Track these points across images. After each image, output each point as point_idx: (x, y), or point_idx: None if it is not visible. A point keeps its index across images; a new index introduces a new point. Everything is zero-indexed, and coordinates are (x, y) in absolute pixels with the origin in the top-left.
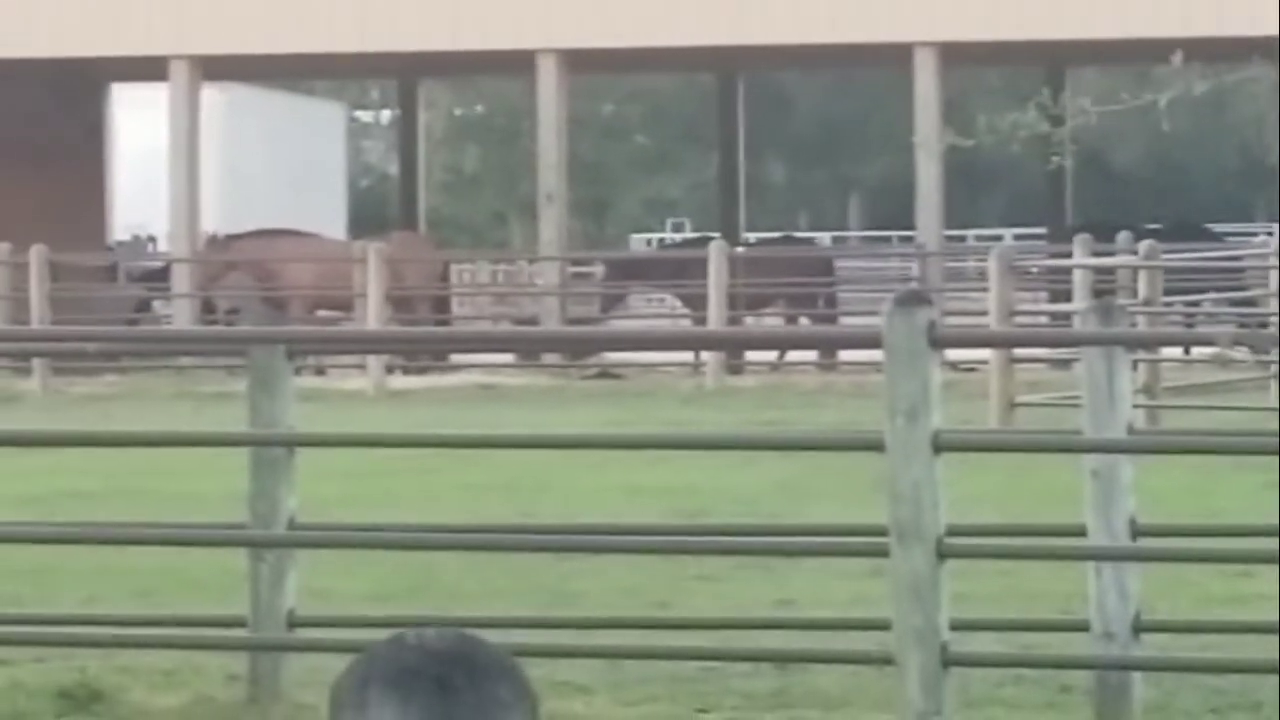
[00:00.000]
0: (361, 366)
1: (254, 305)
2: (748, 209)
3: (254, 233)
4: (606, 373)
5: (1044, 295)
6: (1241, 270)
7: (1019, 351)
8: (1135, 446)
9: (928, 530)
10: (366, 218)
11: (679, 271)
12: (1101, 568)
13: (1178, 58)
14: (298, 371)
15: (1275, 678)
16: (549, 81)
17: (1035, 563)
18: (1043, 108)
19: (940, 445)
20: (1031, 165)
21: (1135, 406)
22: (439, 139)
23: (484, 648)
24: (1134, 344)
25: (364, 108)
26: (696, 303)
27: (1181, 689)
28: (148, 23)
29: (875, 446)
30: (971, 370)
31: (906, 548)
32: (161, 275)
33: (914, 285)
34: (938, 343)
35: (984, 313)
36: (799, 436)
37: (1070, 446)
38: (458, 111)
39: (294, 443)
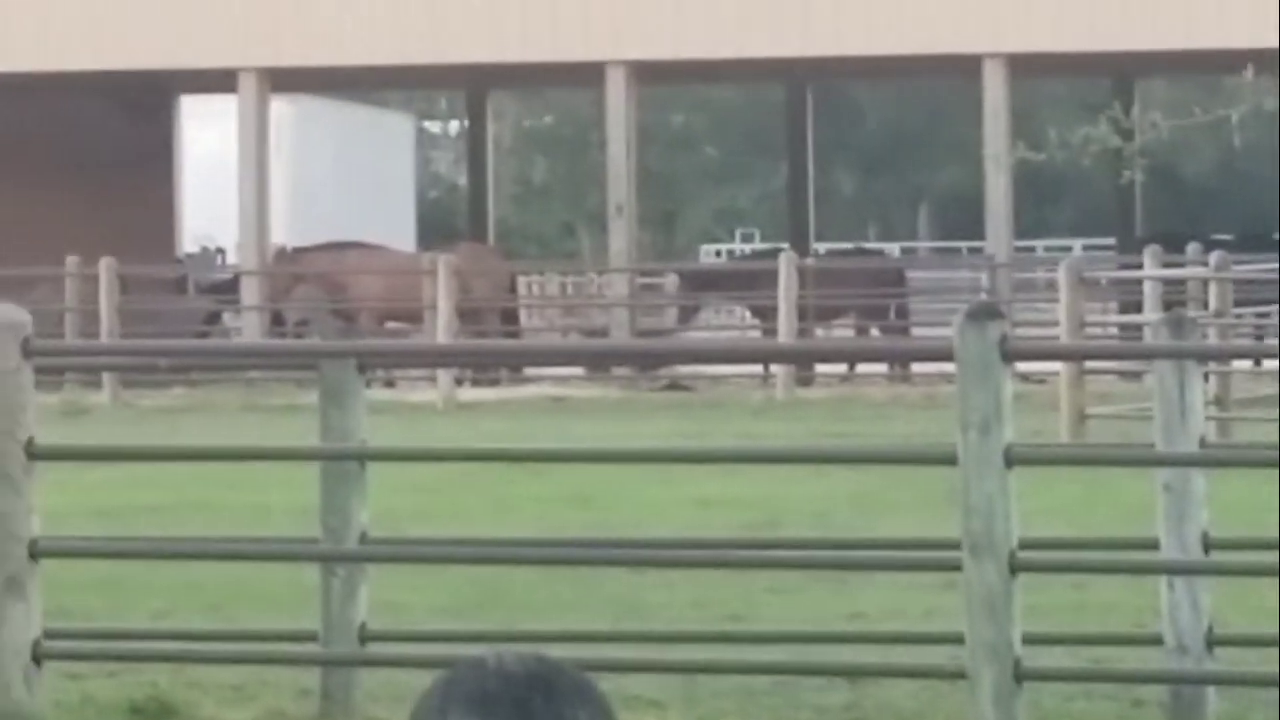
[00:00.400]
0: (431, 379)
1: (323, 318)
2: (817, 220)
3: (323, 246)
4: (676, 384)
5: (1114, 306)
6: None
7: (1089, 363)
8: (1207, 460)
9: (1000, 544)
10: (435, 229)
11: (752, 283)
12: (1174, 581)
13: (1249, 71)
14: (367, 384)
15: None
16: (618, 92)
17: (1107, 576)
18: (1114, 121)
19: (1012, 459)
20: (1100, 176)
21: (1206, 419)
22: (508, 150)
23: (563, 671)
24: (1205, 357)
25: (433, 119)
26: (767, 314)
27: (1254, 703)
28: (217, 35)
29: (948, 460)
30: (1042, 382)
31: (979, 561)
32: (230, 287)
33: (984, 297)
34: (1009, 356)
35: (1054, 324)
36: (870, 449)
37: (1143, 460)
38: (526, 123)
39: (366, 457)
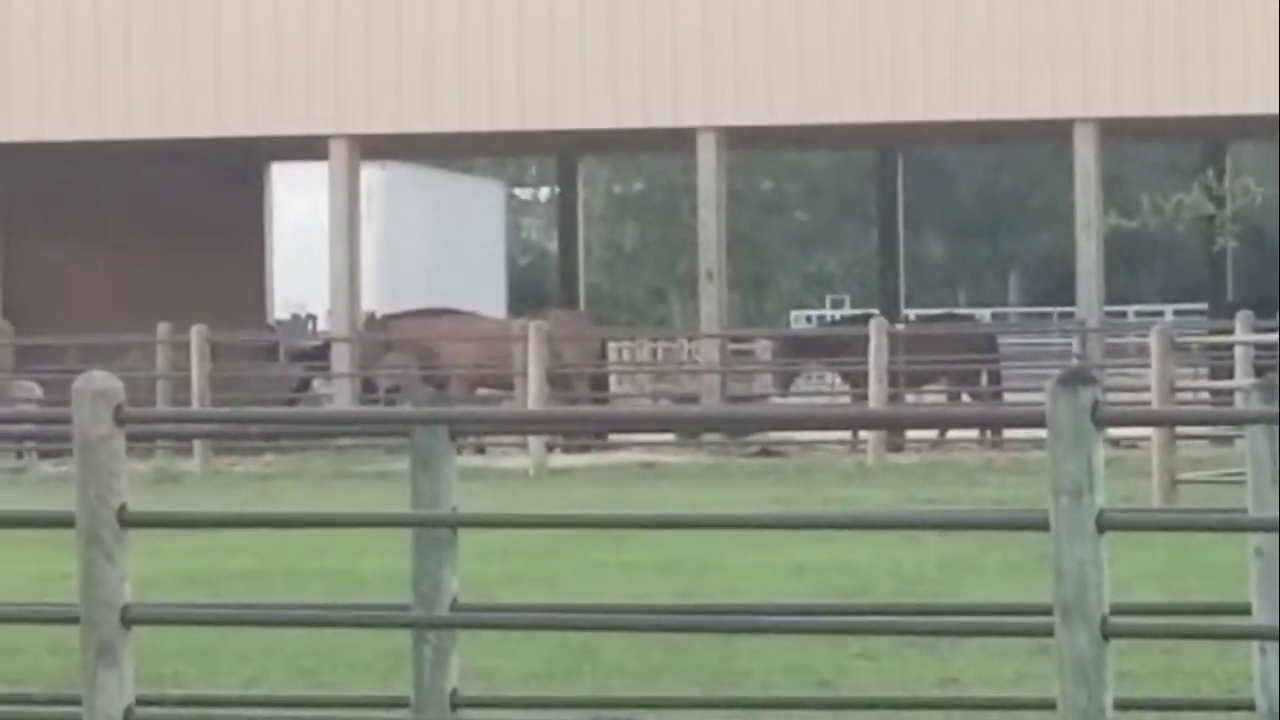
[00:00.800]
0: (522, 445)
1: (414, 384)
2: (907, 285)
3: (413, 312)
4: (767, 450)
5: (1205, 372)
6: None
7: (1181, 428)
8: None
9: (1092, 609)
10: (526, 295)
11: (845, 349)
12: (1266, 647)
13: None
14: (458, 450)
15: None
16: (708, 158)
17: (1200, 642)
18: (1207, 188)
19: (1104, 524)
20: (1191, 240)
21: None
22: (598, 216)
23: None
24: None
25: (523, 185)
26: (858, 380)
27: None
28: (307, 102)
29: (1039, 526)
30: (1133, 447)
31: (1071, 627)
32: (321, 354)
33: (1076, 362)
34: (1101, 422)
35: (1145, 389)
36: (962, 515)
37: (1234, 525)
38: (617, 188)
39: (458, 523)
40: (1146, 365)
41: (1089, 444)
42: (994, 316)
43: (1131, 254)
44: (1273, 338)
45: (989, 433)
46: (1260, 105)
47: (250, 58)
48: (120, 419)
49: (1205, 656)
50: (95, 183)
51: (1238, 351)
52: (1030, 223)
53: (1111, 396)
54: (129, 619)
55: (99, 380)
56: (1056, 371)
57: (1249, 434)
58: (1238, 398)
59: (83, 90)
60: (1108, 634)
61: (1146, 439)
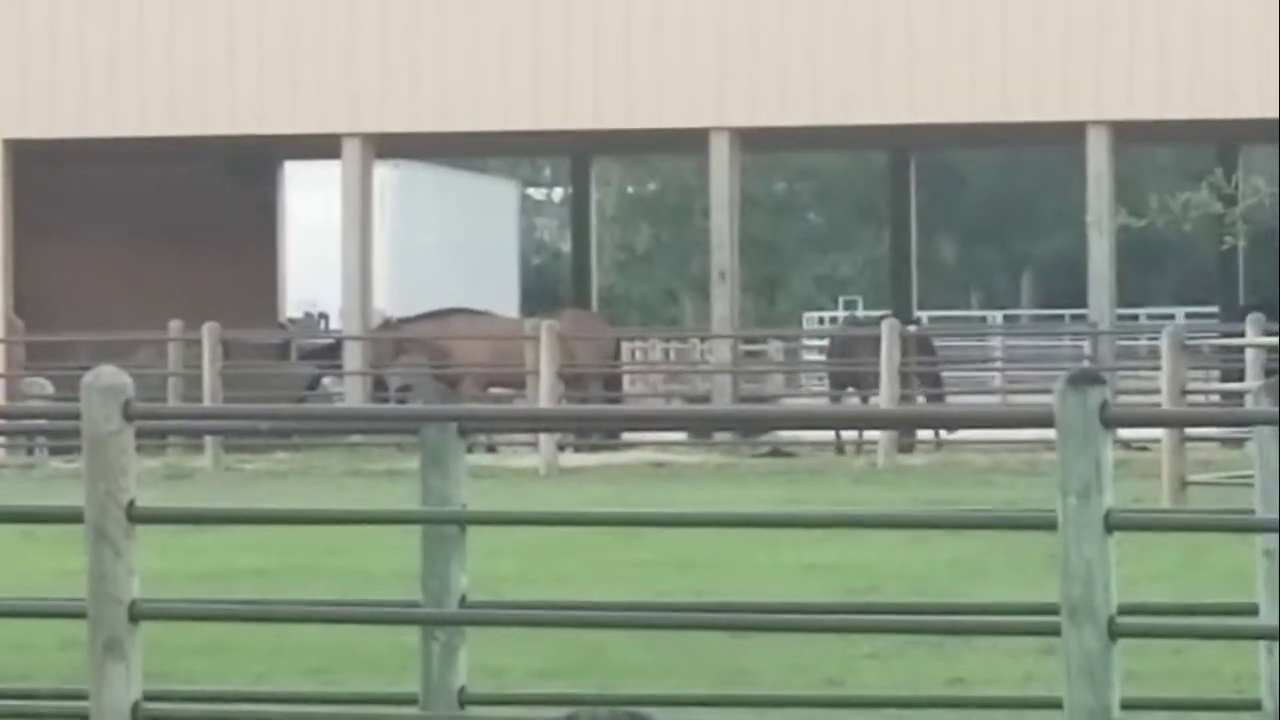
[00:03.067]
0: (533, 444)
1: (426, 383)
2: (920, 287)
3: (426, 314)
4: (778, 450)
5: (1216, 374)
6: None
7: (1191, 430)
8: None
9: (1099, 609)
10: (539, 295)
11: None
12: (1273, 647)
13: None
14: (470, 449)
15: None
16: (721, 159)
17: (1207, 642)
18: (1215, 187)
19: (1112, 525)
20: (1204, 243)
21: None
22: (611, 216)
23: None
24: None
25: (536, 185)
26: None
27: None
28: (321, 101)
29: (1047, 526)
30: (1144, 449)
31: (1078, 627)
32: (331, 352)
33: (1086, 364)
34: (1110, 422)
35: (1156, 391)
36: (970, 515)
37: (1242, 526)
38: (630, 189)
39: (466, 521)
40: (1158, 367)
41: (1097, 444)
42: (1006, 318)
43: (1145, 257)
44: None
45: (938, 434)
46: (1273, 108)
47: (264, 56)
48: (129, 415)
49: (1213, 657)
50: (108, 180)
51: (1248, 354)
52: (1043, 225)
53: (1122, 398)
54: (136, 614)
55: (108, 376)
56: (1067, 373)
57: (1257, 435)
58: (1247, 399)
59: (96, 87)
60: (1115, 634)
61: (1157, 441)
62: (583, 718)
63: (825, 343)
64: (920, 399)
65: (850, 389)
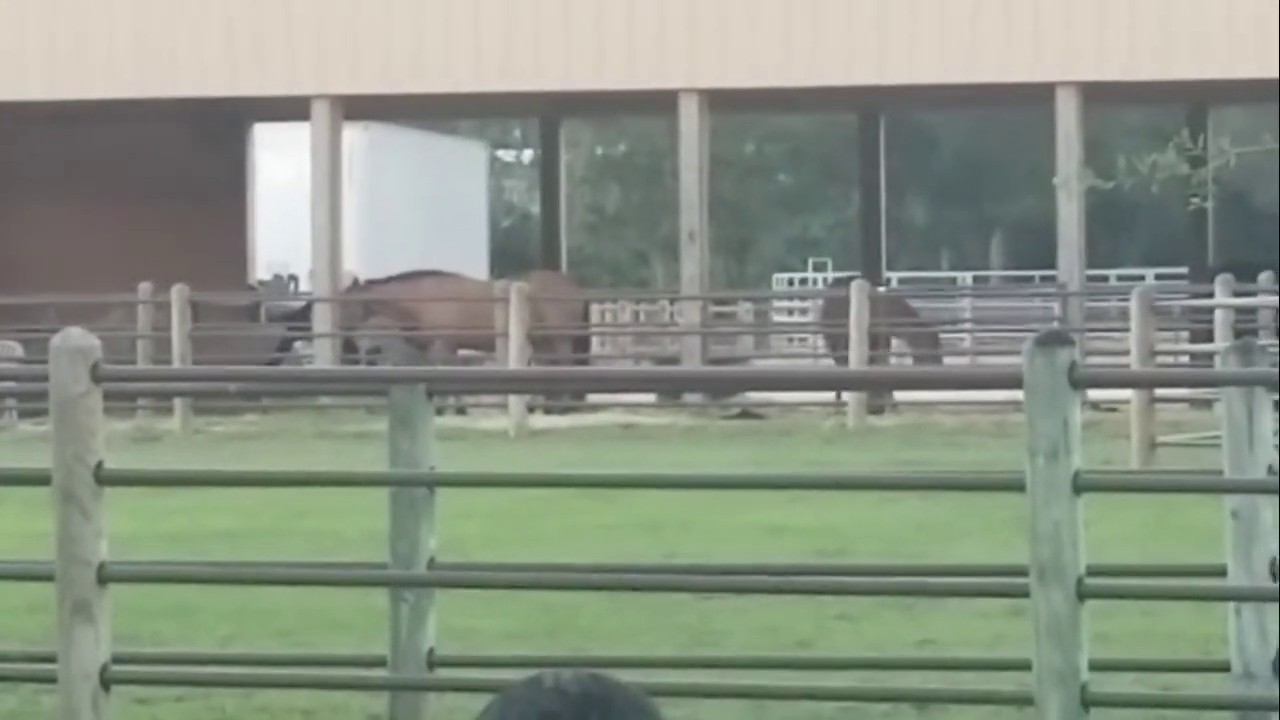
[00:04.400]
0: (503, 406)
1: (396, 345)
2: (889, 248)
3: (395, 277)
4: (748, 412)
5: (1185, 335)
6: None
7: (1161, 391)
8: (1274, 486)
9: (1068, 570)
10: (508, 257)
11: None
12: (1241, 608)
13: None
14: (439, 411)
15: None
16: (691, 121)
17: (1176, 603)
18: (1181, 148)
19: (1080, 485)
20: (1174, 205)
21: (1276, 446)
22: (581, 178)
23: (620, 689)
24: (1273, 384)
25: (506, 147)
26: (838, 342)
27: None
28: (290, 62)
29: (1016, 487)
30: (1113, 410)
31: (1046, 588)
32: (303, 315)
33: (1055, 325)
34: (1078, 383)
35: (1125, 352)
36: (939, 477)
37: (1210, 487)
38: (600, 150)
39: (434, 483)
40: (1127, 329)
41: (1065, 405)
42: (975, 280)
43: (1115, 219)
44: (1251, 301)
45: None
46: (1243, 69)
47: (233, 17)
48: (97, 377)
49: (1182, 618)
50: (77, 142)
51: (1217, 315)
52: (1013, 187)
53: (1092, 360)
54: (105, 576)
55: (76, 338)
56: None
57: (1225, 396)
58: (1217, 361)
59: (64, 49)
60: (1083, 595)
61: (1127, 402)
62: (545, 679)
63: (818, 304)
64: (908, 361)
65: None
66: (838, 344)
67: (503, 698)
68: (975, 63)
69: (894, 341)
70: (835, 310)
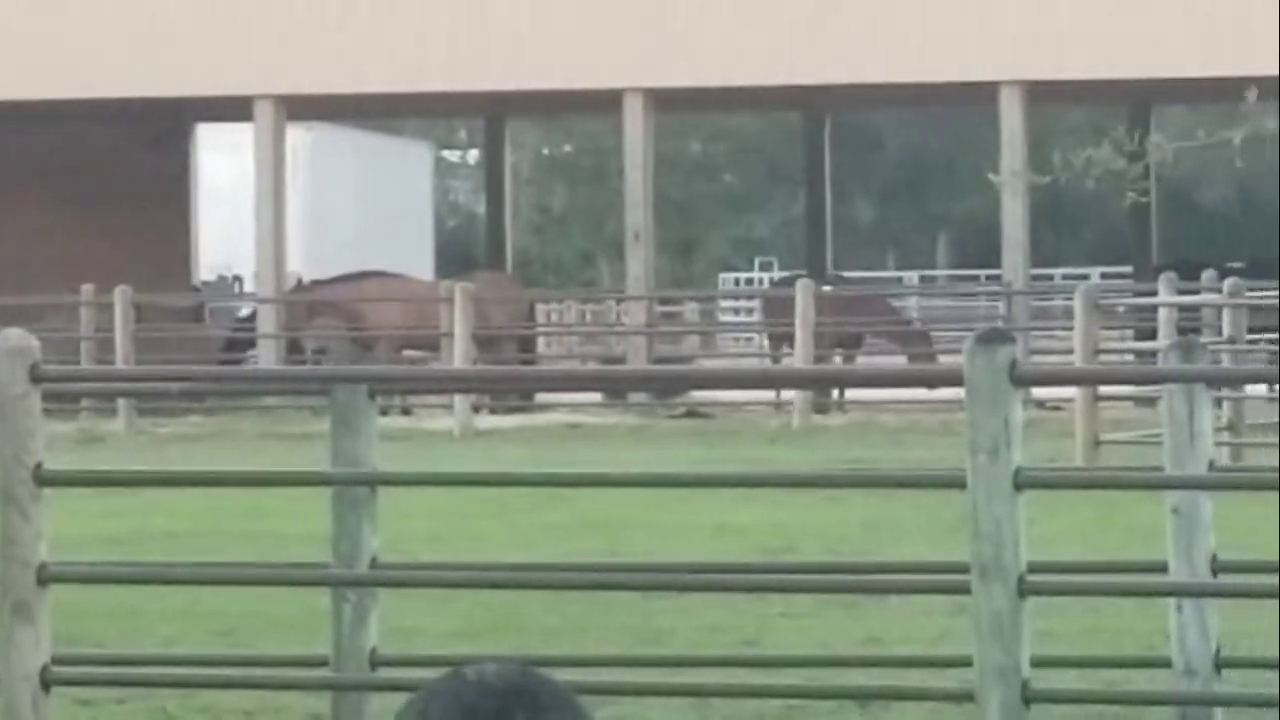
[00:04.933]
0: (448, 406)
1: (341, 346)
2: (835, 248)
3: (340, 278)
4: (693, 412)
5: (1130, 333)
6: None
7: (1105, 389)
8: (1215, 483)
9: (1009, 568)
10: (454, 257)
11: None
12: (1183, 604)
13: (1252, 94)
14: (384, 412)
15: None
16: (636, 121)
17: (1120, 600)
18: (1117, 144)
19: (1021, 483)
20: (1119, 205)
21: (1219, 444)
22: (526, 178)
23: (546, 683)
24: (1214, 380)
25: (451, 147)
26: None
27: None
28: (233, 63)
29: (958, 484)
30: (1058, 409)
31: (988, 585)
32: (252, 319)
33: (1000, 324)
34: (1019, 381)
35: (1070, 351)
36: (883, 475)
37: (1149, 483)
38: (545, 151)
39: (376, 482)
40: (1072, 327)
41: (1006, 403)
42: (922, 279)
43: (1060, 218)
44: (1195, 300)
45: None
46: (1188, 68)
47: (175, 17)
48: (36, 377)
49: (1126, 615)
50: (19, 144)
51: (1161, 313)
52: (959, 186)
53: (1037, 358)
54: (45, 577)
55: (14, 339)
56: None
57: (1166, 393)
58: (1160, 359)
59: (4, 51)
60: (1024, 591)
61: (1072, 401)
62: (468, 673)
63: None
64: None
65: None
66: (781, 343)
67: (425, 692)
68: (919, 62)
69: (869, 340)
70: (779, 310)
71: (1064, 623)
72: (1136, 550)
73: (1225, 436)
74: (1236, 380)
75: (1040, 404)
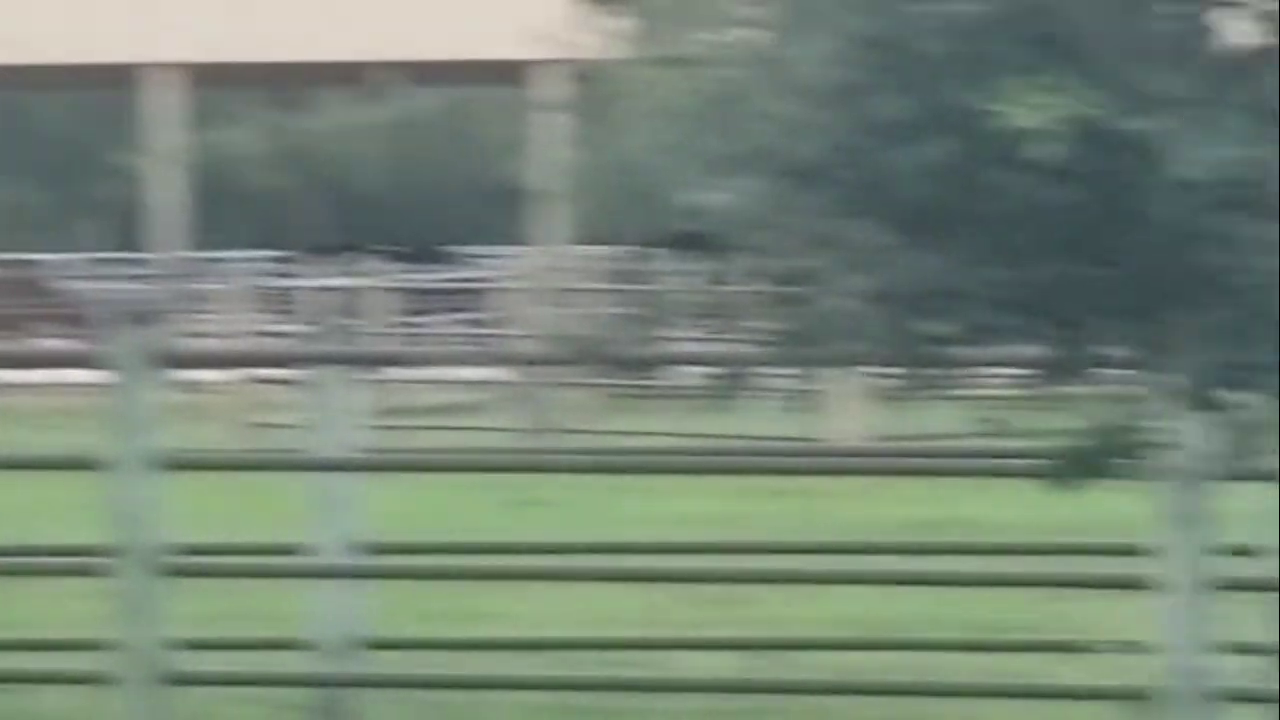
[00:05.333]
0: None
1: None
2: None
3: None
4: None
5: (292, 317)
6: (480, 291)
7: (266, 373)
8: (354, 464)
9: (149, 549)
10: None
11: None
12: (324, 585)
13: (380, 80)
14: None
15: (497, 693)
16: None
17: (271, 582)
18: (266, 126)
19: (162, 464)
20: (279, 189)
21: (378, 427)
22: None
23: None
24: (351, 362)
25: None
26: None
27: (411, 705)
28: None
29: (98, 466)
30: (215, 393)
31: (128, 567)
32: None
33: (147, 307)
34: (158, 362)
35: (228, 335)
36: (17, 457)
37: (292, 465)
38: None
39: None
40: (228, 311)
41: (145, 383)
42: (76, 262)
43: (218, 200)
44: (345, 282)
45: None
46: (338, 53)
47: None
48: None
49: (275, 597)
50: None
51: (312, 296)
52: (109, 169)
53: (192, 341)
54: None
55: None
56: (124, 315)
57: (309, 377)
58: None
59: None
60: (165, 573)
61: (230, 384)
62: None
63: None
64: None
65: None
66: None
67: None
68: (57, 42)
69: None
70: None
71: (213, 605)
72: (284, 533)
73: (393, 420)
74: (377, 363)
75: (195, 387)
